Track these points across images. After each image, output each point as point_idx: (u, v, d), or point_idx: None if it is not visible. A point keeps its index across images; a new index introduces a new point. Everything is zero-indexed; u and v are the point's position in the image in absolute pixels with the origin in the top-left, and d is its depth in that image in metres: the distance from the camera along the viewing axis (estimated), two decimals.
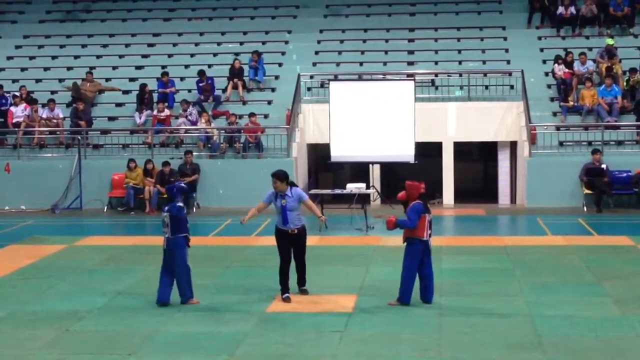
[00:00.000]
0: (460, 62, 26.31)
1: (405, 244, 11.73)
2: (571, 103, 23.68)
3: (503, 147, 24.25)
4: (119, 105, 25.71)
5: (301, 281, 12.60)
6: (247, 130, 23.43)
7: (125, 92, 26.14)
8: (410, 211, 11.56)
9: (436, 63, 26.40)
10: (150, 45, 28.68)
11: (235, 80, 25.42)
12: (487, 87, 24.48)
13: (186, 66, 27.18)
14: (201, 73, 25.04)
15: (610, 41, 25.05)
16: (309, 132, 24.46)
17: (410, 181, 11.79)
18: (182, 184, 12.60)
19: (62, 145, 24.11)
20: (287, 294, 12.20)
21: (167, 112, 24.22)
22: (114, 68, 27.57)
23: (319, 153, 25.22)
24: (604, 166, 21.57)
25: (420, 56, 26.89)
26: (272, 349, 9.95)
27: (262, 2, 30.46)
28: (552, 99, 24.50)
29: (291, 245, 12.32)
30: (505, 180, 24.15)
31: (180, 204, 11.91)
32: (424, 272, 11.75)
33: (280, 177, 12.26)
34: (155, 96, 25.07)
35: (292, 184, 12.42)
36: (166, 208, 11.93)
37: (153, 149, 23.45)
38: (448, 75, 24.97)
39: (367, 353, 9.77)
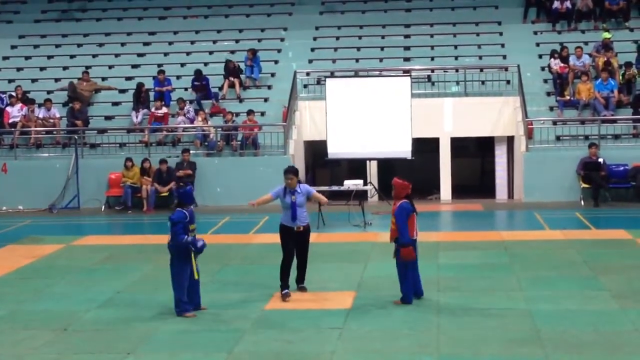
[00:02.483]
0: (456, 58, 26.32)
1: (394, 244, 11.65)
2: (567, 97, 23.68)
3: (500, 142, 24.25)
4: (115, 104, 25.68)
5: (300, 279, 12.59)
6: (244, 128, 23.41)
7: (122, 91, 26.11)
8: (399, 214, 11.43)
9: (432, 59, 26.39)
10: (146, 44, 28.65)
11: (232, 78, 25.40)
12: (483, 82, 24.48)
13: (182, 64, 27.17)
14: (198, 72, 25.03)
15: (606, 35, 25.05)
16: (305, 129, 24.45)
17: (399, 179, 11.67)
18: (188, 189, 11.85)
19: (59, 145, 24.08)
20: (286, 291, 12.18)
21: (164, 110, 24.21)
22: (110, 67, 27.55)
23: (315, 150, 25.20)
24: (600, 160, 21.58)
25: (416, 52, 26.88)
26: (271, 346, 9.95)
27: (258, 0, 30.44)
28: (548, 94, 24.50)
29: (296, 242, 12.27)
30: (502, 175, 24.15)
31: (182, 209, 11.33)
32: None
33: (296, 172, 12.35)
34: (151, 95, 25.06)
35: (299, 180, 12.46)
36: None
37: (150, 147, 23.43)
38: (444, 71, 24.97)
39: (366, 349, 9.77)
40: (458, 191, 23.99)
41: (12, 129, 24.14)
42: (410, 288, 11.61)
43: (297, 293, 12.35)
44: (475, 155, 28.08)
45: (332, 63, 26.57)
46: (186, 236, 11.21)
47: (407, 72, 24.03)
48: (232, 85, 25.44)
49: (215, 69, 26.04)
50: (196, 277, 11.38)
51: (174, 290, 11.30)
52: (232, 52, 26.94)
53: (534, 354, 9.48)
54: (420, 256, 14.81)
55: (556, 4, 27.33)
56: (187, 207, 11.40)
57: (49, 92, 25.94)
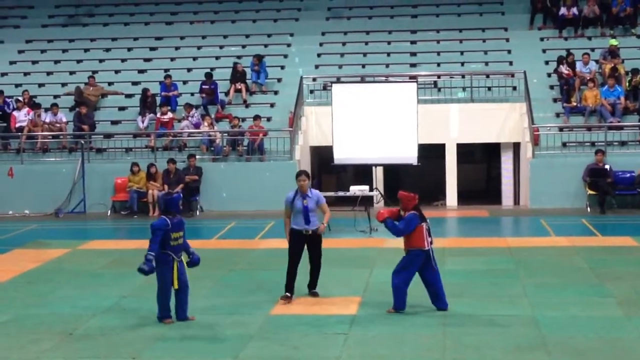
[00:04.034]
0: (462, 64, 26.32)
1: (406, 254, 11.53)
2: (574, 104, 23.64)
3: (506, 148, 24.24)
4: (121, 109, 25.73)
5: (313, 284, 12.59)
6: (250, 133, 23.41)
7: (128, 95, 26.16)
8: (404, 221, 11.40)
9: (438, 65, 26.40)
10: (153, 49, 28.71)
11: (238, 83, 25.43)
12: (489, 88, 24.48)
13: (189, 69, 27.22)
14: (208, 75, 25.07)
15: (613, 42, 25.05)
16: (311, 134, 24.47)
17: (404, 192, 11.62)
18: (174, 196, 11.63)
19: (65, 149, 24.13)
20: (287, 294, 12.18)
21: (170, 115, 24.25)
22: (117, 72, 27.61)
23: (321, 155, 25.21)
24: (607, 167, 21.55)
25: (422, 58, 26.89)
26: (276, 351, 9.95)
27: (264, 5, 30.53)
28: (554, 100, 24.49)
29: (305, 246, 12.32)
30: (508, 181, 24.14)
31: (165, 217, 11.20)
32: (431, 279, 11.51)
33: (308, 175, 12.46)
34: (158, 100, 25.09)
35: (310, 186, 12.48)
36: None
37: (156, 152, 23.47)
38: (450, 77, 24.98)
39: (371, 355, 9.77)
40: (464, 197, 23.97)
41: (19, 134, 24.19)
42: (404, 295, 11.45)
43: (303, 298, 12.34)
44: (481, 161, 28.07)
45: (339, 69, 26.59)
46: (152, 253, 11.00)
47: (413, 78, 24.02)
48: (238, 90, 25.47)
49: (222, 74, 26.06)
50: (175, 286, 11.14)
51: (157, 296, 11.23)
52: (239, 57, 26.96)
53: None
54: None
55: (563, 11, 27.33)
56: (172, 215, 11.20)
57: (55, 97, 25.99)
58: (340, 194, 20.06)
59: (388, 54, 27.30)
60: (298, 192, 12.24)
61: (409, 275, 11.43)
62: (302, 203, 12.15)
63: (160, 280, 11.18)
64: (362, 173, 24.35)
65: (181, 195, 11.83)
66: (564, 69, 24.42)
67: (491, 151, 25.89)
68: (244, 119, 24.10)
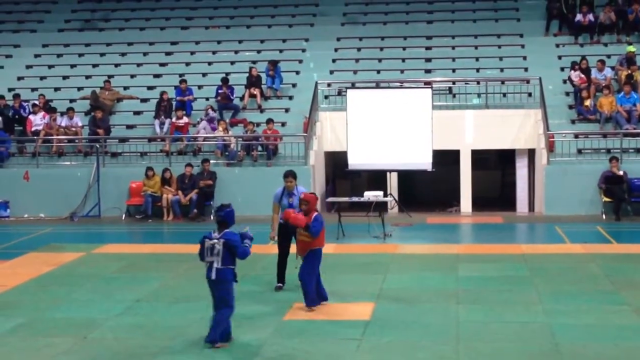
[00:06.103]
0: (477, 70, 26.25)
1: (307, 254, 11.95)
2: (587, 105, 23.43)
3: (521, 154, 24.16)
4: (137, 113, 25.79)
5: None
6: (265, 138, 23.41)
7: (144, 100, 26.22)
8: (315, 223, 11.84)
9: (454, 71, 26.35)
10: (168, 53, 28.78)
11: (253, 88, 25.45)
12: (504, 94, 24.42)
13: (204, 74, 27.26)
14: (224, 80, 25.10)
15: (631, 48, 24.95)
16: (326, 140, 24.46)
17: (307, 194, 12.36)
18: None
19: (80, 153, 24.20)
20: (279, 284, 13.23)
21: (185, 119, 24.29)
22: (132, 76, 27.68)
23: (336, 161, 25.21)
24: (622, 173, 21.45)
25: (437, 64, 26.85)
26: (289, 357, 9.95)
27: (280, 11, 30.56)
28: (570, 107, 24.40)
29: (291, 237, 13.07)
30: (523, 188, 24.05)
31: (230, 230, 10.63)
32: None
33: (295, 175, 13.33)
34: (173, 104, 25.13)
35: (296, 184, 13.41)
36: (217, 235, 10.54)
37: (171, 157, 23.52)
38: (465, 83, 24.92)
39: None
40: (478, 203, 23.90)
41: (35, 137, 24.28)
42: (314, 292, 11.96)
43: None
44: (495, 167, 27.98)
45: (353, 74, 26.57)
46: (246, 247, 10.66)
47: (428, 83, 24.00)
48: (253, 96, 25.49)
49: (237, 79, 26.08)
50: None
51: (225, 318, 10.41)
52: (254, 62, 26.99)
53: None
54: (439, 268, 14.88)
55: (578, 17, 27.23)
56: (229, 227, 10.69)
57: (71, 101, 26.08)
58: (355, 199, 20.01)
59: (403, 60, 27.28)
60: (285, 190, 13.18)
61: (316, 273, 12.02)
62: (287, 201, 13.11)
63: (232, 298, 10.43)
64: (377, 179, 24.33)
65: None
66: (574, 76, 24.33)
67: (506, 157, 25.80)
68: (258, 124, 24.11)
